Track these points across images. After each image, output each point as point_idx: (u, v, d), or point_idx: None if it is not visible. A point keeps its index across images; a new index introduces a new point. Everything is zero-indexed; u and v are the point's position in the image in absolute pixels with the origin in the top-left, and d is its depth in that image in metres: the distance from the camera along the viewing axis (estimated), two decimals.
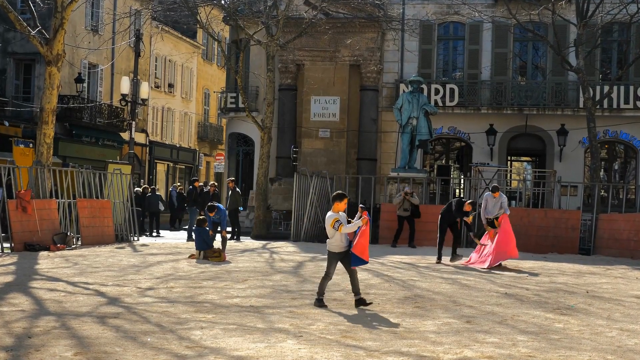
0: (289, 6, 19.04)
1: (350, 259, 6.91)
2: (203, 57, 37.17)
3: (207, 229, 11.75)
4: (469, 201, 12.35)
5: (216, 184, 18.58)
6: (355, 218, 6.93)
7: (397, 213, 15.45)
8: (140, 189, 20.47)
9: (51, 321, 5.91)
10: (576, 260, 13.49)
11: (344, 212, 7.05)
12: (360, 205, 7.45)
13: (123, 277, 9.12)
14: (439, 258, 11.99)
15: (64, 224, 13.91)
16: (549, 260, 13.45)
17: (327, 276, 7.01)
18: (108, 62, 27.78)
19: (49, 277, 9.03)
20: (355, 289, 7.02)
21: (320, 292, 7.03)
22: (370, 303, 6.99)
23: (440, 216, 12.39)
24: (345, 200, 7.01)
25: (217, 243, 12.26)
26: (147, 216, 20.13)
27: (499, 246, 11.34)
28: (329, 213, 7.01)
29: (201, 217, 12.26)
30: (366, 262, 7.01)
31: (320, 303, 6.97)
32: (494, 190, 12.26)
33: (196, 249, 11.68)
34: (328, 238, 7.03)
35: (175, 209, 23.57)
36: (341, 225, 6.83)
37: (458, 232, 12.43)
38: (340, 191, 7.36)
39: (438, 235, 12.24)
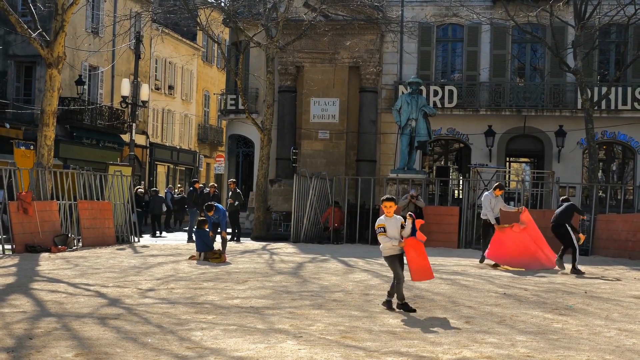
0: (289, 8, 19.11)
1: (402, 262, 6.94)
2: (203, 59, 37.23)
3: (208, 230, 11.80)
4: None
5: (216, 185, 18.66)
6: (407, 226, 6.88)
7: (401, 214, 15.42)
8: (144, 190, 20.52)
9: (52, 322, 5.94)
10: None
11: (399, 215, 7.01)
12: (410, 213, 7.19)
13: (124, 278, 9.16)
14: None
15: (65, 226, 13.95)
16: None
17: (398, 279, 6.87)
18: (108, 64, 27.84)
19: (49, 279, 9.07)
20: (399, 295, 6.94)
21: (400, 297, 6.90)
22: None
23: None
24: (392, 204, 6.87)
25: (217, 244, 12.32)
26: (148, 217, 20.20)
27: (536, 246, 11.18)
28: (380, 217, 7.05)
29: (202, 218, 12.31)
30: (430, 278, 7.25)
31: (395, 306, 6.91)
32: (500, 188, 12.06)
33: (197, 251, 11.73)
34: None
35: (172, 210, 23.61)
36: (381, 234, 6.86)
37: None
38: (388, 195, 7.47)
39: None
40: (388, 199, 6.95)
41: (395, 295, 6.91)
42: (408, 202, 15.33)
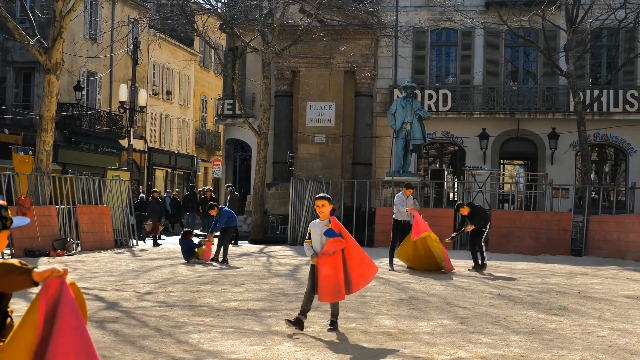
0: (284, 14, 19.26)
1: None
2: (200, 65, 37.33)
3: (192, 239, 12.21)
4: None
5: (212, 189, 18.86)
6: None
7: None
8: (142, 194, 20.61)
9: None
10: (568, 262, 13.62)
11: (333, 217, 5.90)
12: (331, 217, 5.91)
13: (122, 281, 9.21)
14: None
15: (64, 230, 14.01)
16: (541, 261, 13.58)
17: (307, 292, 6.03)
18: (106, 70, 27.92)
19: None
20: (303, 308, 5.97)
21: (303, 309, 5.99)
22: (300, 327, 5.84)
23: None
24: (324, 203, 5.76)
25: (216, 246, 12.47)
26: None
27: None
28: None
29: (187, 229, 12.64)
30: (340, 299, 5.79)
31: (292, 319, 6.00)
32: (409, 187, 11.46)
33: (185, 259, 11.96)
34: None
35: (170, 214, 23.68)
36: (307, 241, 5.91)
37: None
38: (322, 193, 6.19)
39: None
40: (319, 198, 5.83)
41: (333, 310, 5.91)
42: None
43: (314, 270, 5.89)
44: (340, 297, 5.80)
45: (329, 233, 5.66)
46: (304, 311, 5.94)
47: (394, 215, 11.60)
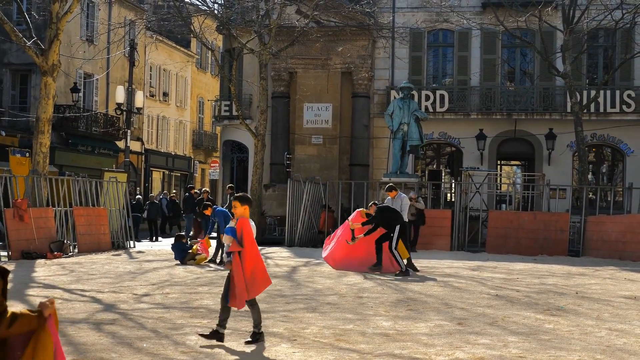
0: (281, 15, 19.25)
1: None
2: (197, 66, 37.33)
3: (184, 241, 12.29)
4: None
5: (208, 190, 18.91)
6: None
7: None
8: (139, 196, 20.62)
9: None
10: (565, 262, 13.66)
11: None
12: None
13: (119, 283, 9.20)
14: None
15: (61, 232, 13.99)
16: (539, 262, 13.62)
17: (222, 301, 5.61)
18: (103, 72, 27.89)
19: (45, 285, 9.12)
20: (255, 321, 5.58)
21: (256, 323, 5.55)
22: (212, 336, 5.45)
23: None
24: (238, 205, 5.45)
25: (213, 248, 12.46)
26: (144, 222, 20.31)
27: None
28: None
29: (180, 233, 12.68)
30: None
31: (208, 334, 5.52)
32: (390, 189, 11.25)
33: (180, 262, 11.96)
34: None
35: (167, 216, 23.65)
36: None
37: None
38: (241, 193, 5.94)
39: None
40: (234, 198, 5.51)
41: (254, 320, 5.49)
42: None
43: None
44: (239, 305, 5.42)
45: (228, 230, 5.39)
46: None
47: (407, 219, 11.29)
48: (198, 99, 37.62)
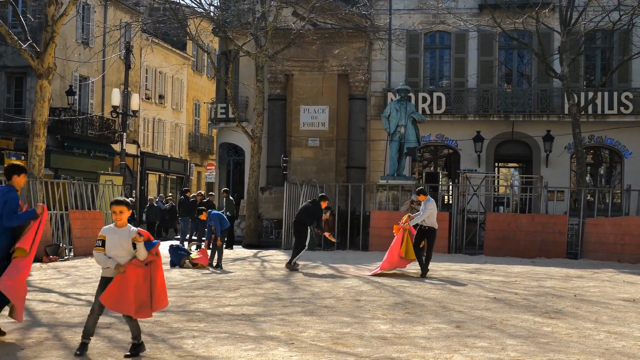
0: (277, 17, 19.24)
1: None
2: (193, 69, 37.31)
3: (179, 245, 12.33)
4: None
5: (203, 193, 18.84)
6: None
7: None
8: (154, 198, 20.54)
9: (43, 332, 5.94)
10: (564, 264, 13.65)
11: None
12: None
13: None
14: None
15: (56, 236, 13.93)
16: (537, 264, 13.61)
17: (92, 308, 5.15)
18: (99, 75, 27.84)
19: (41, 289, 9.05)
20: (87, 330, 5.13)
21: (86, 332, 5.11)
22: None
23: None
24: (122, 209, 5.05)
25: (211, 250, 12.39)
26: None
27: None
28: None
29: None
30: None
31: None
32: (419, 193, 11.11)
33: (177, 265, 11.88)
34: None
35: (164, 220, 23.57)
36: (97, 248, 5.03)
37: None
38: (118, 197, 5.50)
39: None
40: (116, 202, 5.06)
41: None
42: (408, 207, 15.41)
43: (105, 282, 5.03)
44: (147, 314, 5.23)
45: (150, 245, 5.11)
46: (87, 334, 5.08)
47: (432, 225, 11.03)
48: (194, 102, 37.59)
